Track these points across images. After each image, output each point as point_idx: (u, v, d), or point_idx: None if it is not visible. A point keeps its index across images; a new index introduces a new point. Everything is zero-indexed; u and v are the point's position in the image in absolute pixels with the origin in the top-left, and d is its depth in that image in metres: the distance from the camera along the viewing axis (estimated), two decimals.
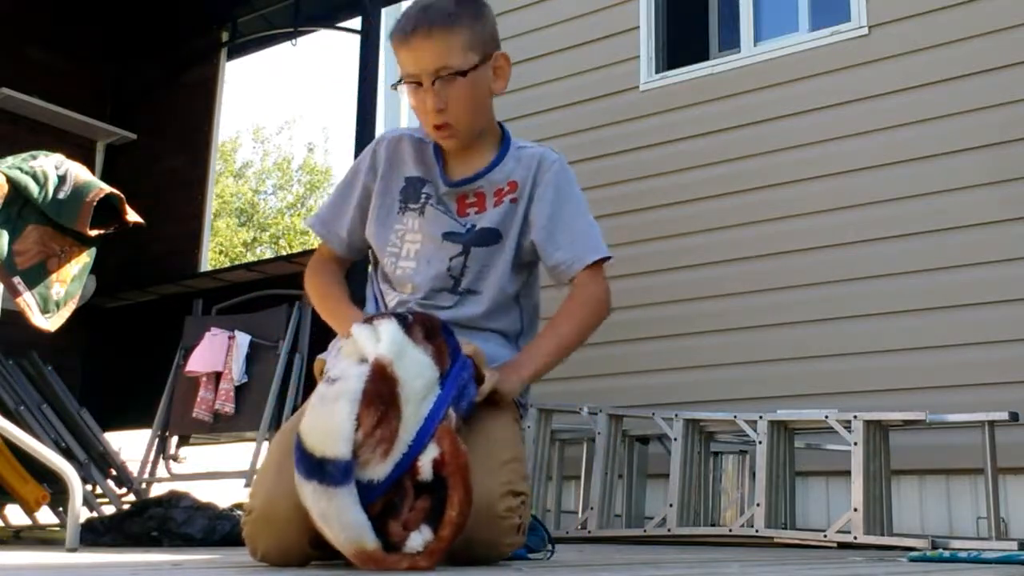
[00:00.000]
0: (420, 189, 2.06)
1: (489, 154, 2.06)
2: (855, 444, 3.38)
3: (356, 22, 5.92)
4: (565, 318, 2.00)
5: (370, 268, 2.19)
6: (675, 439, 3.71)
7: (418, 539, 1.50)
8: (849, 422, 3.42)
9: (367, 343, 1.59)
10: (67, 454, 4.14)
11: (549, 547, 2.04)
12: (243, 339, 4.81)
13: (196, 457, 5.08)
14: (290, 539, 1.66)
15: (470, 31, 1.95)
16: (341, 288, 2.14)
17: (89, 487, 4.26)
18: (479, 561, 1.67)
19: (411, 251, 2.05)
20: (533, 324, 2.12)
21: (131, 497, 4.47)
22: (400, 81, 1.99)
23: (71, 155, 3.03)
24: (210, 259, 15.88)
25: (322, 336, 2.30)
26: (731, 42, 5.04)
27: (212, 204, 6.62)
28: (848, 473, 3.40)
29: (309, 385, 3.84)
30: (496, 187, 2.04)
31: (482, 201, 2.03)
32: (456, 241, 2.02)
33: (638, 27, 5.03)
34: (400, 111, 7.07)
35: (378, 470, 1.50)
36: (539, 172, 2.04)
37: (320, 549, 1.69)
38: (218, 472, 4.68)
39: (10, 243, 2.79)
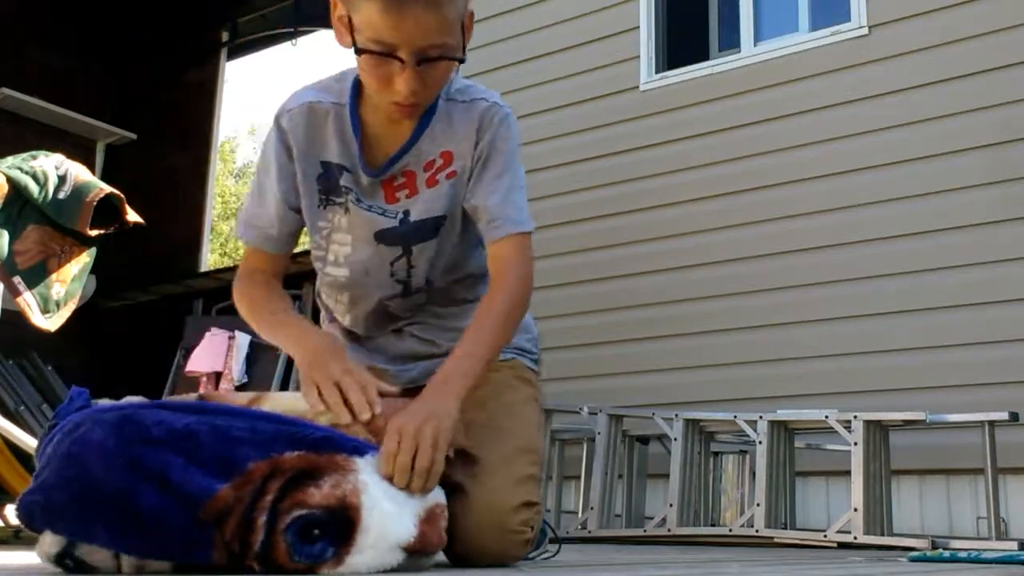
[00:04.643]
0: (338, 180, 1.73)
1: (417, 117, 1.71)
2: (855, 444, 3.38)
3: None
4: (493, 309, 1.68)
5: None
6: (675, 439, 3.71)
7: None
8: (849, 422, 3.42)
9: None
10: None
11: (550, 546, 2.02)
12: (243, 339, 4.82)
13: None
14: None
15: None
16: (277, 297, 1.77)
17: None
18: (482, 565, 1.64)
19: (340, 256, 1.79)
20: None
21: None
22: (355, 42, 1.57)
23: (71, 155, 3.03)
24: (211, 260, 15.90)
25: None
26: (731, 42, 5.04)
27: (213, 204, 6.63)
28: (848, 473, 3.40)
29: None
30: (426, 159, 1.72)
31: (412, 181, 1.74)
32: (391, 241, 1.75)
33: (638, 27, 5.03)
34: None
35: None
36: (480, 135, 1.72)
37: None
38: None
39: (10, 243, 2.79)
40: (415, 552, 1.38)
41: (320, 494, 1.30)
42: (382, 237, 1.75)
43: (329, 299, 1.90)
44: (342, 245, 1.78)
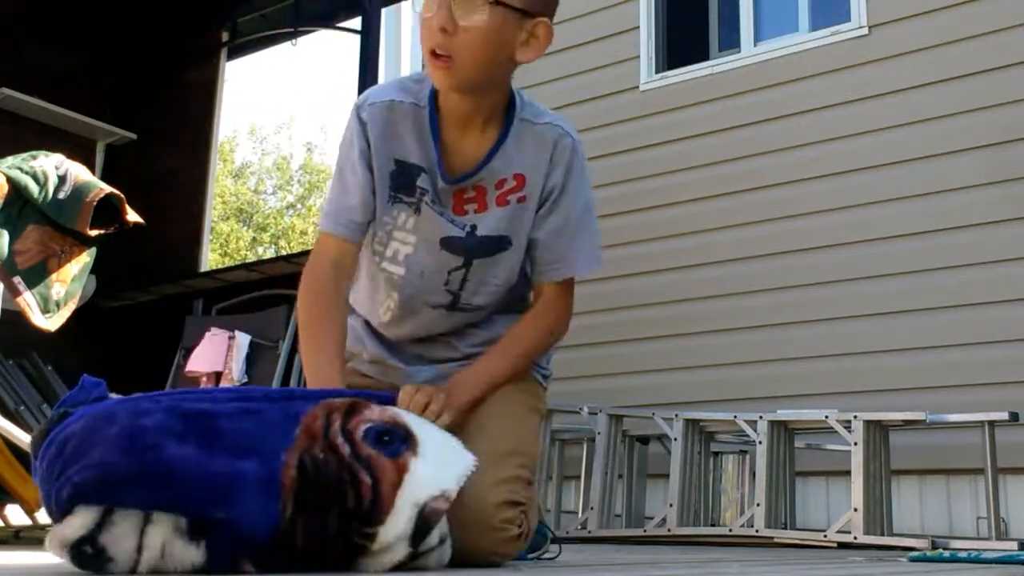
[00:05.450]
0: (415, 179, 1.76)
1: (491, 132, 1.77)
2: (855, 444, 3.38)
3: (356, 22, 5.93)
4: (526, 339, 1.82)
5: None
6: (675, 439, 3.71)
7: None
8: (849, 422, 3.42)
9: None
10: None
11: (551, 547, 2.02)
12: (243, 339, 4.82)
13: None
14: None
15: None
16: (333, 330, 1.76)
17: None
18: (476, 565, 1.65)
19: (400, 254, 1.82)
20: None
21: None
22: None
23: (71, 155, 3.03)
24: (211, 260, 15.89)
25: None
26: (731, 42, 5.04)
27: (212, 204, 6.62)
28: (848, 473, 3.40)
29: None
30: (498, 178, 1.77)
31: (482, 197, 1.77)
32: (456, 250, 1.79)
33: (638, 27, 5.03)
34: None
35: None
36: (552, 165, 1.78)
37: None
38: None
39: (10, 243, 2.79)
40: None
41: (374, 416, 1.48)
42: (448, 244, 1.79)
43: (376, 292, 1.89)
44: (403, 244, 1.81)
